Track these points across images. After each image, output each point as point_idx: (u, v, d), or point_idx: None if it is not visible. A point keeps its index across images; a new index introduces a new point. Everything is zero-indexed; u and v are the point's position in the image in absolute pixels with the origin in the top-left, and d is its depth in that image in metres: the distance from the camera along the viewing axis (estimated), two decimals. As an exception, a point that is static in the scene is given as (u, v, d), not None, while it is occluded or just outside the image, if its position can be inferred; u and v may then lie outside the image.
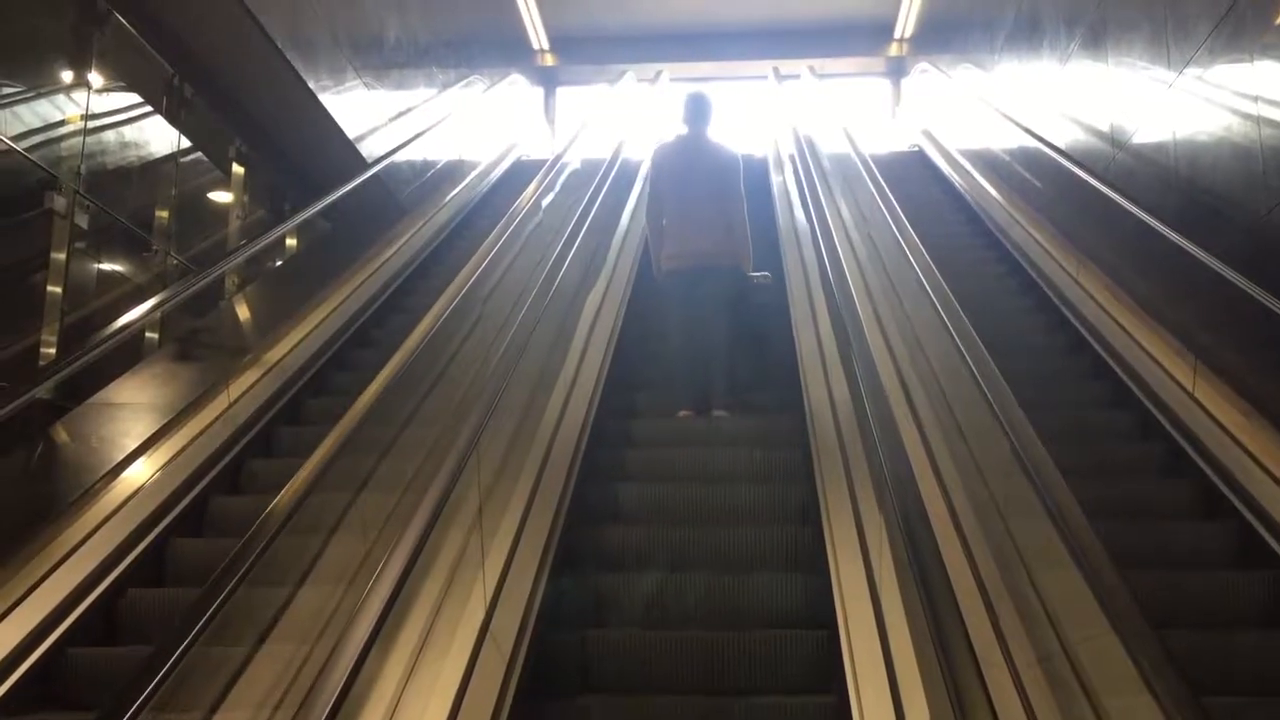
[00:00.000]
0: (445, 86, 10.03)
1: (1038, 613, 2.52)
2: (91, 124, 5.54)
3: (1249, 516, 3.90)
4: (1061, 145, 6.66)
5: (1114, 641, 2.04)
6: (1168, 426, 4.63)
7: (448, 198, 9.13)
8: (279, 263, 7.53)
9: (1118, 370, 5.29)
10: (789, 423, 5.31)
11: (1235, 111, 4.47)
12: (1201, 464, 4.29)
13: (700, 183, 5.94)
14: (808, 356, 5.51)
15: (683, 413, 5.61)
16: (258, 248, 6.17)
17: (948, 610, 2.72)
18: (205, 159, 6.90)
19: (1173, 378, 4.72)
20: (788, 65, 12.20)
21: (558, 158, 7.62)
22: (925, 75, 11.95)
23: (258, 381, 5.16)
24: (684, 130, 6.22)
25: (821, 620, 3.58)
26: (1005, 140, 8.17)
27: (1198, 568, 3.79)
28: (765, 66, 12.22)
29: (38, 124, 5.17)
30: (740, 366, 5.83)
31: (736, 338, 5.84)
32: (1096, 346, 5.62)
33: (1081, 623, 2.28)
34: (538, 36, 14.78)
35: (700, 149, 6.13)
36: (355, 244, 7.31)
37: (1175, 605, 3.49)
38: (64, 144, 5.32)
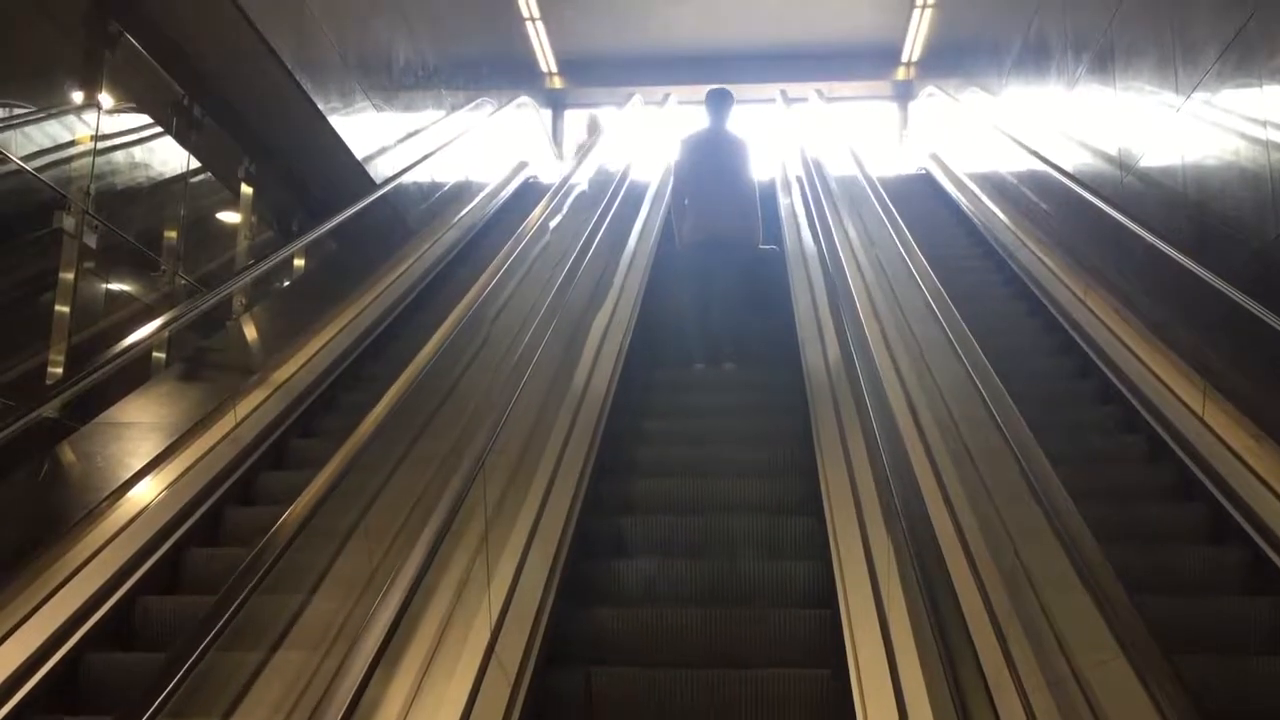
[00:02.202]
0: (454, 108, 10.07)
1: (1045, 634, 2.50)
2: (101, 144, 5.56)
3: (1259, 541, 3.87)
4: (1069, 169, 6.66)
5: (1124, 666, 2.02)
6: (1177, 450, 4.60)
7: (455, 218, 9.14)
8: (286, 283, 7.54)
9: (1126, 393, 5.26)
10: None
11: (1244, 136, 4.47)
12: (1211, 488, 4.26)
13: (719, 169, 6.89)
14: (814, 376, 5.50)
15: (698, 365, 6.59)
16: (265, 268, 6.17)
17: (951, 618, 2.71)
18: (214, 179, 6.92)
19: (1182, 401, 4.69)
20: (795, 88, 12.24)
21: (565, 179, 7.64)
22: (932, 99, 11.97)
23: (265, 401, 5.16)
24: (707, 122, 7.14)
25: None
26: (1012, 164, 8.17)
27: (1208, 592, 3.77)
28: (773, 89, 12.27)
29: (48, 144, 5.19)
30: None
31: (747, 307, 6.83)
32: (1104, 369, 5.60)
33: (1091, 646, 2.27)
34: (546, 60, 14.86)
35: (720, 139, 7.07)
36: (363, 264, 7.32)
37: (1185, 630, 3.46)
38: (74, 164, 5.34)
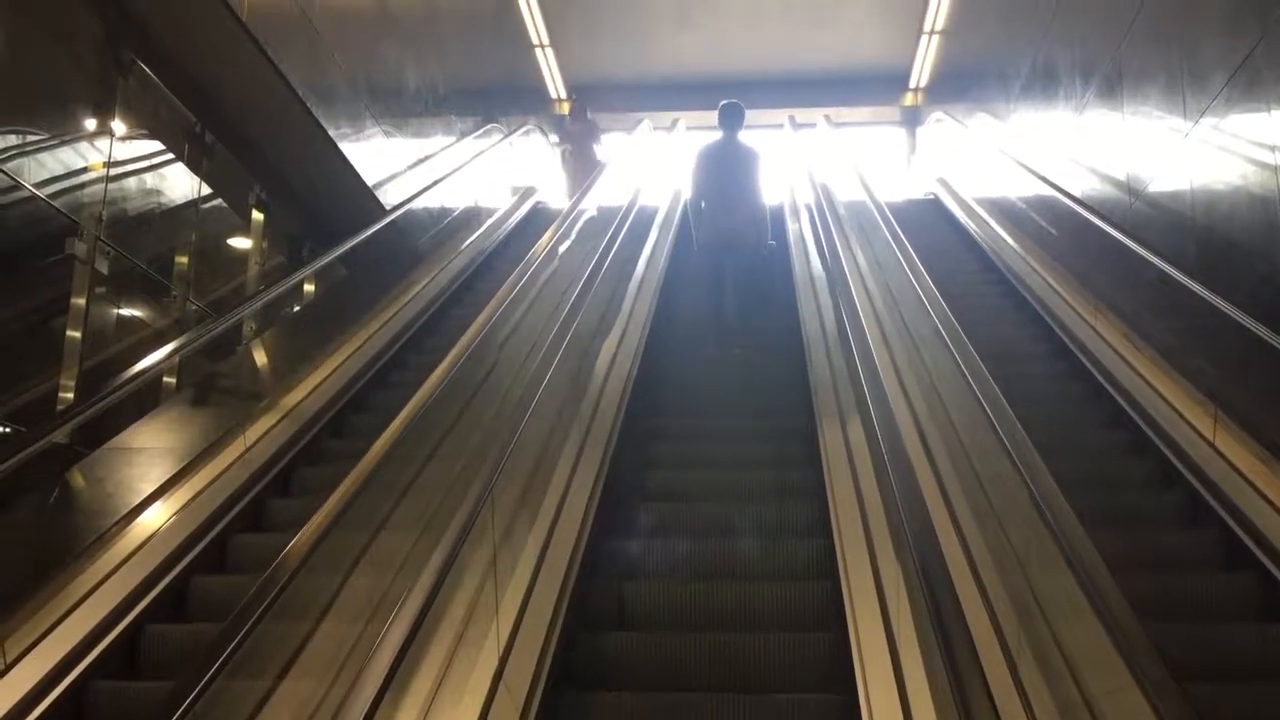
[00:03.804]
0: (463, 134, 10.11)
1: (1057, 662, 2.49)
2: (114, 171, 5.59)
3: (1270, 567, 3.85)
4: (1078, 193, 6.66)
5: (1137, 695, 2.01)
6: (1188, 475, 4.58)
7: (465, 244, 9.17)
8: (296, 308, 7.56)
9: (1136, 418, 5.25)
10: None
11: (1252, 160, 4.47)
12: (1222, 513, 4.24)
13: (731, 176, 7.62)
14: (821, 390, 5.50)
15: (711, 349, 7.24)
16: (275, 294, 6.20)
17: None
18: (225, 205, 6.95)
19: (1192, 426, 4.68)
20: (803, 114, 12.29)
21: (574, 205, 7.67)
22: (940, 124, 12.00)
23: (275, 426, 5.18)
24: (719, 133, 7.81)
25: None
26: (1021, 188, 8.18)
27: (1220, 618, 3.74)
28: (781, 115, 12.31)
29: (61, 171, 5.23)
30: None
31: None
32: (1114, 394, 5.59)
33: (1102, 674, 2.25)
34: (555, 85, 14.93)
35: (732, 149, 7.74)
36: (372, 290, 7.35)
37: (1197, 657, 3.44)
38: (86, 190, 5.37)
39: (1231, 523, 4.15)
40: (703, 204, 7.68)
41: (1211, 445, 4.46)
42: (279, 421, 5.25)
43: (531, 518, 3.84)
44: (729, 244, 7.54)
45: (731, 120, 7.80)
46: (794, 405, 5.98)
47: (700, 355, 7.20)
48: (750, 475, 5.20)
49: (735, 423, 6.00)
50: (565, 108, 15.30)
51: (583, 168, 12.69)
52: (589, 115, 13.36)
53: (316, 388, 5.76)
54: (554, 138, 14.17)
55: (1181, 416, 4.81)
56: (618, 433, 5.47)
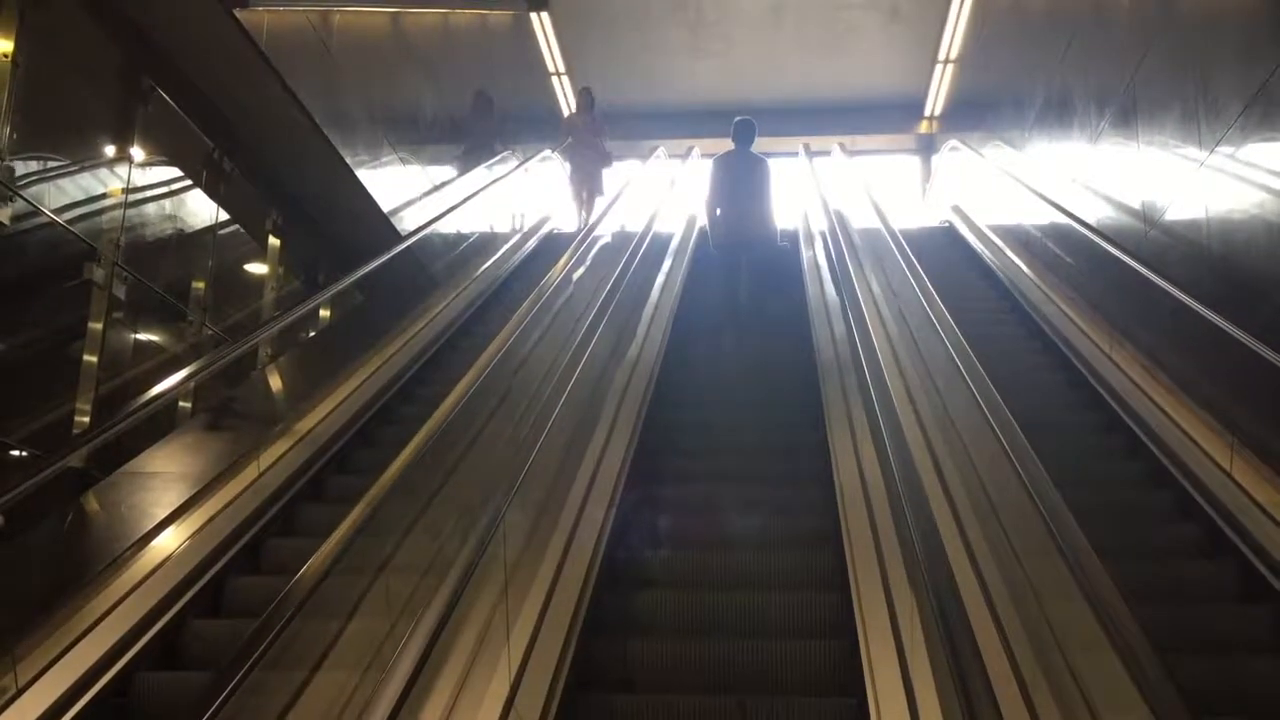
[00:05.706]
0: (479, 161, 10.16)
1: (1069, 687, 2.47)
2: (132, 197, 5.63)
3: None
4: (1093, 222, 6.65)
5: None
6: (1206, 506, 4.55)
7: (479, 270, 9.19)
8: (312, 333, 7.59)
9: (1153, 449, 5.21)
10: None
11: (1268, 190, 4.45)
12: (1240, 545, 4.20)
13: (744, 186, 8.46)
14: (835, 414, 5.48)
15: (727, 338, 7.93)
16: (291, 319, 6.21)
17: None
18: (242, 231, 7.00)
19: (1210, 457, 4.64)
20: (818, 141, 12.31)
21: (589, 231, 7.69)
22: (955, 152, 12.00)
23: (289, 450, 5.18)
24: (733, 146, 8.66)
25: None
26: (1036, 217, 8.17)
27: (1238, 651, 3.70)
28: (796, 143, 12.34)
29: (80, 197, 5.27)
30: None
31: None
32: (1131, 424, 5.55)
33: (1120, 708, 2.23)
34: (571, 113, 15.00)
35: (744, 160, 8.58)
36: (388, 315, 7.37)
37: (1216, 690, 3.40)
38: (104, 216, 5.41)
39: (1249, 553, 4.12)
40: (718, 210, 8.49)
41: (1228, 475, 4.43)
42: (294, 445, 5.26)
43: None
44: (742, 243, 8.36)
45: (744, 134, 8.65)
46: (806, 420, 6.02)
47: (714, 353, 7.84)
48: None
49: (744, 434, 6.21)
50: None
51: (588, 163, 12.61)
52: (595, 110, 13.01)
53: (338, 406, 5.77)
54: (569, 165, 14.27)
55: (1199, 446, 4.78)
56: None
